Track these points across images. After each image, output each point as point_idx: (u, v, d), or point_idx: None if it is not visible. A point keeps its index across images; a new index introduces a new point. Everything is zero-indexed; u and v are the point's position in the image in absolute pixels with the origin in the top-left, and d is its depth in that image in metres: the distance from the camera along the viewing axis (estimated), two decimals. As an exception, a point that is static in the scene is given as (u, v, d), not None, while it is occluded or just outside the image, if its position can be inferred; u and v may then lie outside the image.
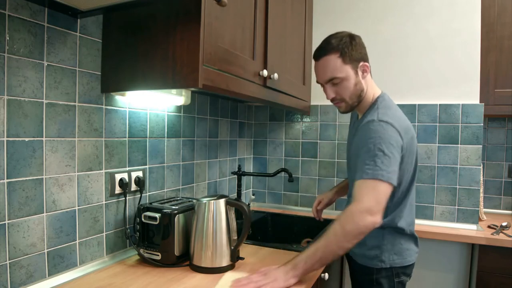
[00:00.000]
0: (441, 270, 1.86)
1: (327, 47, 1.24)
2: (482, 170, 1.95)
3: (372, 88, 1.32)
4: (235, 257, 1.23)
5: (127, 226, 1.32)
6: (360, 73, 1.26)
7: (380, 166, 1.10)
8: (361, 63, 1.26)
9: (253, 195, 2.22)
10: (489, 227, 1.88)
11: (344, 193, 1.67)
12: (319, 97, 2.18)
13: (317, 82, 1.33)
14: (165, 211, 1.23)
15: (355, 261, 1.37)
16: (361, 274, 1.35)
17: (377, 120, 1.17)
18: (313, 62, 1.33)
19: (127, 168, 1.32)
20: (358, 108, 1.34)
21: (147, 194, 1.43)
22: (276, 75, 1.48)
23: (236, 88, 1.25)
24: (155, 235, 1.25)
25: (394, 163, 1.12)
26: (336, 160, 2.16)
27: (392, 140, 1.14)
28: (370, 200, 1.08)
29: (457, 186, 1.91)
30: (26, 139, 0.98)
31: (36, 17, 0.98)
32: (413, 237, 1.33)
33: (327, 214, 1.83)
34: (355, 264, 1.38)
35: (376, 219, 1.08)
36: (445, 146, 1.93)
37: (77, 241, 1.15)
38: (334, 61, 1.23)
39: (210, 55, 1.07)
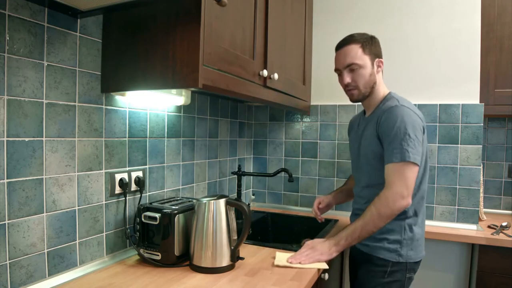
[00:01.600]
0: (441, 270, 1.86)
1: (350, 39, 1.40)
2: (482, 170, 1.95)
3: (383, 86, 1.44)
4: (235, 257, 1.23)
5: (127, 226, 1.32)
6: (375, 66, 1.40)
7: (407, 149, 1.23)
8: (378, 59, 1.40)
9: (253, 195, 2.22)
10: (489, 227, 1.88)
11: (343, 199, 1.76)
12: (319, 97, 2.18)
13: (335, 70, 1.45)
14: (165, 211, 1.23)
15: (368, 253, 1.40)
16: (374, 265, 1.39)
17: (399, 105, 1.31)
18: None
19: (127, 168, 1.32)
20: (367, 103, 1.46)
21: (147, 194, 1.43)
22: (276, 75, 1.48)
23: (236, 88, 1.25)
24: (155, 235, 1.25)
25: (418, 144, 1.26)
26: (336, 160, 2.16)
27: (416, 123, 1.28)
28: (401, 185, 1.24)
29: (457, 186, 1.91)
30: (26, 139, 0.98)
31: (36, 17, 0.98)
32: (423, 235, 1.43)
33: (326, 214, 1.84)
34: (367, 256, 1.41)
35: (408, 202, 1.25)
36: (445, 146, 1.93)
37: (77, 241, 1.15)
38: (355, 50, 1.38)
39: (210, 55, 1.07)
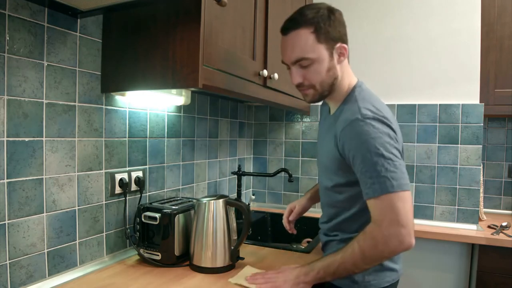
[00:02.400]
0: (441, 270, 1.86)
1: (300, 19, 1.02)
2: (482, 170, 1.95)
3: (348, 75, 1.11)
4: (235, 257, 1.23)
5: (127, 226, 1.32)
6: (336, 56, 1.04)
7: (386, 175, 0.93)
8: (339, 44, 1.04)
9: (253, 195, 2.22)
10: (489, 227, 1.88)
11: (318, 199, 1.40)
12: (319, 97, 2.18)
13: (282, 62, 1.11)
14: (165, 211, 1.23)
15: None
16: None
17: (361, 119, 0.97)
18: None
19: (127, 168, 1.32)
20: (330, 99, 1.14)
21: (147, 194, 1.43)
22: (276, 75, 1.48)
23: (236, 88, 1.25)
24: (155, 235, 1.25)
25: (398, 164, 0.95)
26: (336, 160, 2.16)
27: (386, 137, 0.96)
28: (393, 223, 0.92)
29: (457, 186, 1.91)
30: (26, 139, 0.98)
31: (36, 17, 0.98)
32: (394, 258, 1.12)
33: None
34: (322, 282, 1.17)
35: (409, 241, 0.93)
36: (445, 146, 1.93)
37: (77, 241, 1.15)
38: (305, 38, 1.01)
39: (210, 55, 1.07)
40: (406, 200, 0.94)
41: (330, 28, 1.02)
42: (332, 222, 1.16)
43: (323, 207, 1.24)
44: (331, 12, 1.04)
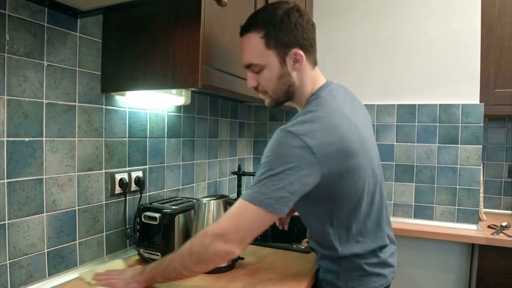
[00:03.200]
0: (441, 270, 1.86)
1: (252, 21, 0.99)
2: (482, 170, 1.95)
3: (312, 81, 1.03)
4: (235, 257, 1.23)
5: (127, 226, 1.32)
6: (290, 62, 0.98)
7: (261, 189, 0.88)
8: (293, 50, 0.97)
9: (253, 195, 2.22)
10: (489, 227, 1.87)
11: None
12: (319, 97, 2.18)
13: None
14: (165, 211, 1.23)
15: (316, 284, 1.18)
16: None
17: (284, 130, 0.90)
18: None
19: (127, 168, 1.32)
20: (295, 103, 1.09)
21: (147, 194, 1.43)
22: (276, 75, 1.48)
23: (236, 88, 1.25)
24: (155, 235, 1.25)
25: (284, 187, 0.88)
26: (336, 160, 2.16)
27: (292, 158, 0.87)
28: (229, 225, 0.91)
29: (457, 186, 1.91)
30: (26, 139, 0.98)
31: (36, 17, 0.98)
32: (382, 263, 1.07)
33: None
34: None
35: (230, 249, 0.90)
36: (445, 146, 1.93)
37: (77, 241, 1.15)
38: (255, 42, 0.97)
39: (210, 55, 1.07)
40: (261, 218, 0.90)
41: (281, 33, 0.95)
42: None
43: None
44: (287, 15, 0.96)
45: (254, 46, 0.98)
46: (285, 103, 1.08)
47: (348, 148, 0.92)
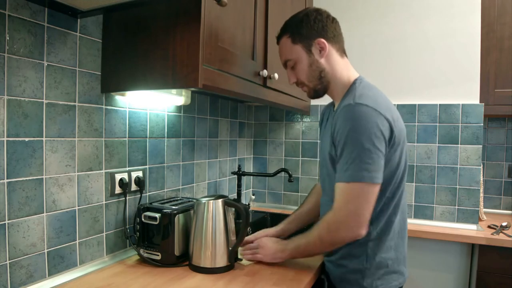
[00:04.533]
0: (441, 270, 1.86)
1: (281, 29, 1.18)
2: (482, 170, 1.95)
3: (346, 70, 1.16)
4: (233, 258, 1.23)
5: (127, 226, 1.32)
6: (316, 51, 1.12)
7: (361, 166, 0.97)
8: (316, 40, 1.12)
9: (253, 195, 2.22)
10: (489, 227, 1.88)
11: (298, 226, 1.43)
12: (319, 97, 2.18)
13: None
14: (165, 211, 1.23)
15: (332, 282, 1.22)
16: None
17: (353, 103, 1.01)
18: None
19: (127, 168, 1.32)
20: (331, 95, 1.20)
21: (147, 194, 1.43)
22: (276, 75, 1.48)
23: (236, 88, 1.25)
24: (155, 235, 1.25)
25: (377, 157, 0.98)
26: (336, 160, 2.16)
27: (374, 128, 0.98)
28: (349, 213, 1.00)
29: (457, 186, 1.91)
30: (26, 139, 0.98)
31: (36, 17, 0.98)
32: (402, 258, 1.15)
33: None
34: (330, 283, 1.23)
35: (358, 233, 1.01)
36: (445, 146, 1.93)
37: (77, 241, 1.15)
38: (285, 43, 1.16)
39: (210, 55, 1.07)
40: (369, 194, 0.99)
41: (302, 29, 1.13)
42: None
43: (322, 205, 1.27)
44: (306, 15, 1.14)
45: (285, 46, 1.16)
46: (323, 92, 1.18)
47: (403, 127, 1.10)
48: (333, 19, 1.16)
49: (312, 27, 1.12)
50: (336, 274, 1.18)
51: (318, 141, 2.20)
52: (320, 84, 1.15)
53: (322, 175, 1.24)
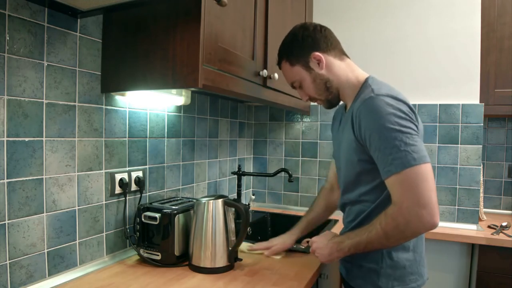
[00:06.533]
0: (441, 270, 1.86)
1: (278, 56, 1.21)
2: (482, 170, 1.95)
3: (352, 71, 1.15)
4: (232, 258, 1.23)
5: (127, 226, 1.32)
6: (314, 65, 1.13)
7: (406, 149, 0.93)
8: (311, 55, 1.12)
9: (253, 195, 2.22)
10: (489, 227, 1.88)
11: (305, 232, 1.42)
12: (319, 97, 2.18)
13: None
14: (165, 211, 1.23)
15: (345, 278, 1.21)
16: None
17: (375, 96, 0.99)
18: None
19: (127, 168, 1.32)
20: (342, 98, 1.18)
21: (147, 194, 1.43)
22: (276, 75, 1.48)
23: (236, 88, 1.25)
24: (155, 235, 1.25)
25: (417, 137, 0.96)
26: (336, 160, 2.16)
27: (401, 113, 0.96)
28: (414, 201, 0.92)
29: (457, 186, 1.91)
30: (26, 139, 0.98)
31: (36, 17, 0.98)
32: (420, 259, 1.13)
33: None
34: (345, 282, 1.22)
35: (433, 220, 0.92)
36: (445, 146, 1.93)
37: (77, 241, 1.15)
38: (285, 67, 1.19)
39: (210, 55, 1.07)
40: (427, 175, 0.93)
41: (294, 50, 1.15)
42: (360, 217, 1.12)
43: (345, 207, 1.22)
44: (293, 34, 1.16)
45: (286, 70, 1.20)
46: (336, 100, 1.19)
47: (421, 124, 1.07)
48: (321, 28, 1.15)
49: (302, 45, 1.13)
50: (352, 274, 1.16)
51: (323, 142, 2.20)
52: (330, 94, 1.16)
53: (343, 181, 1.19)
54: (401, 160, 0.93)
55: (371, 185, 1.07)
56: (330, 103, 1.19)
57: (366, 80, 1.11)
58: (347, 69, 1.15)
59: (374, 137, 0.98)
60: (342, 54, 1.17)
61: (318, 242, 1.15)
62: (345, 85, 1.14)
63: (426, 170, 0.93)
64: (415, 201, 0.92)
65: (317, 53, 1.12)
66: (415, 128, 0.98)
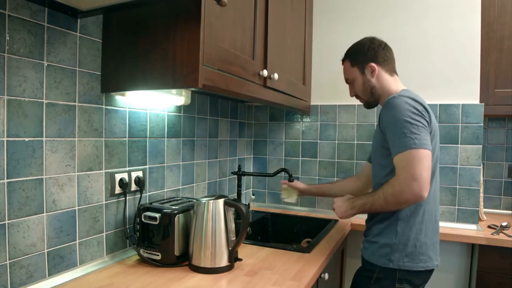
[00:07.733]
0: (441, 270, 1.86)
1: (345, 55, 1.48)
2: (482, 170, 1.95)
3: (395, 85, 1.39)
4: (233, 258, 1.23)
5: (127, 226, 1.32)
6: (368, 72, 1.39)
7: (410, 136, 1.16)
8: (368, 64, 1.39)
9: (253, 195, 2.22)
10: (489, 227, 1.88)
11: (324, 193, 1.79)
12: (319, 97, 2.18)
13: None
14: (165, 211, 1.23)
15: (362, 255, 1.39)
16: (363, 269, 1.38)
17: (396, 96, 1.25)
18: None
19: (127, 168, 1.32)
20: (381, 103, 1.42)
21: (147, 194, 1.43)
22: (276, 75, 1.48)
23: (236, 88, 1.25)
24: (155, 235, 1.25)
25: (423, 129, 1.18)
26: (336, 160, 2.16)
27: (414, 109, 1.20)
28: (408, 175, 1.14)
29: (457, 186, 1.91)
30: (26, 139, 0.98)
31: (36, 17, 0.98)
32: (431, 244, 1.29)
33: (327, 214, 1.83)
34: (362, 257, 1.40)
35: (419, 194, 1.13)
36: (445, 146, 1.93)
37: (77, 241, 1.15)
38: (346, 66, 1.47)
39: (210, 55, 1.07)
40: (424, 157, 1.14)
41: (358, 56, 1.42)
42: None
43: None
44: (361, 44, 1.43)
45: (346, 68, 1.47)
46: (375, 103, 1.45)
47: (436, 124, 1.32)
48: (385, 46, 1.41)
49: (365, 54, 1.39)
50: (370, 250, 1.33)
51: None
52: (372, 98, 1.42)
53: (373, 164, 1.44)
54: (405, 144, 1.16)
55: (390, 168, 1.26)
56: (369, 105, 1.46)
57: (401, 90, 1.35)
58: (392, 83, 1.39)
59: (390, 126, 1.23)
60: (393, 71, 1.42)
61: (338, 201, 1.42)
62: (385, 95, 1.37)
63: (424, 154, 1.15)
64: (410, 175, 1.14)
65: (373, 64, 1.38)
66: (425, 124, 1.19)
